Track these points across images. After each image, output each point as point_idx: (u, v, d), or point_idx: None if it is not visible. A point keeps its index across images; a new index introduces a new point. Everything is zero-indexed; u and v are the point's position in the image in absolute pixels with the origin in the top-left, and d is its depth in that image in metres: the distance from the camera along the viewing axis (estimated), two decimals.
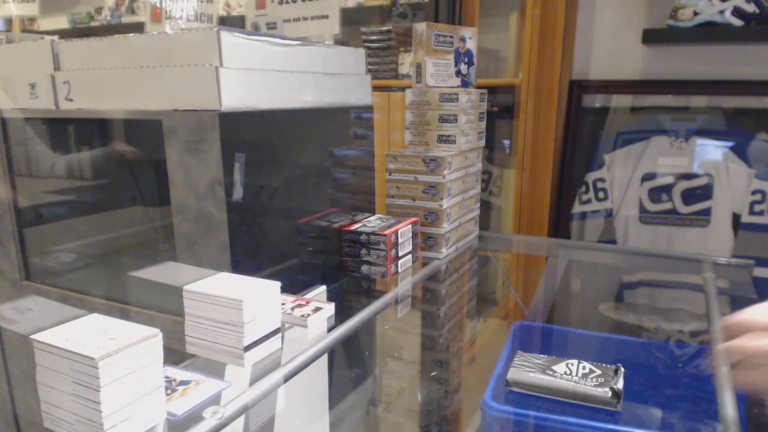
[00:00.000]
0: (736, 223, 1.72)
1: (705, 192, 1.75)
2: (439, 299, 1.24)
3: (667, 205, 1.80)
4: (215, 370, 0.70)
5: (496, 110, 2.14)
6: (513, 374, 0.84)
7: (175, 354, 0.70)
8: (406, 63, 2.34)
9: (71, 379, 0.53)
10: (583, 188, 1.90)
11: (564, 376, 0.81)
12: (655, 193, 1.81)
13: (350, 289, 1.08)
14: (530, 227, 1.94)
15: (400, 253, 1.09)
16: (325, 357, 0.82)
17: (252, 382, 0.69)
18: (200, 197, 0.87)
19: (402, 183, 1.23)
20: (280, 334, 0.75)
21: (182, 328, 0.73)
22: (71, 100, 0.98)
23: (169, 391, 0.63)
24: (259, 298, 0.70)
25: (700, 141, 1.76)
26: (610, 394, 0.75)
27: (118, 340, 0.54)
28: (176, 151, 0.87)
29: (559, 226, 1.98)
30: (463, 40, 1.36)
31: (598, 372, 0.82)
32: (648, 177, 1.82)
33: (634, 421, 0.95)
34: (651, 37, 1.71)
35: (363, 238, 1.05)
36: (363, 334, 1.06)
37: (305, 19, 1.17)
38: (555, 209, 1.97)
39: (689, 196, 1.76)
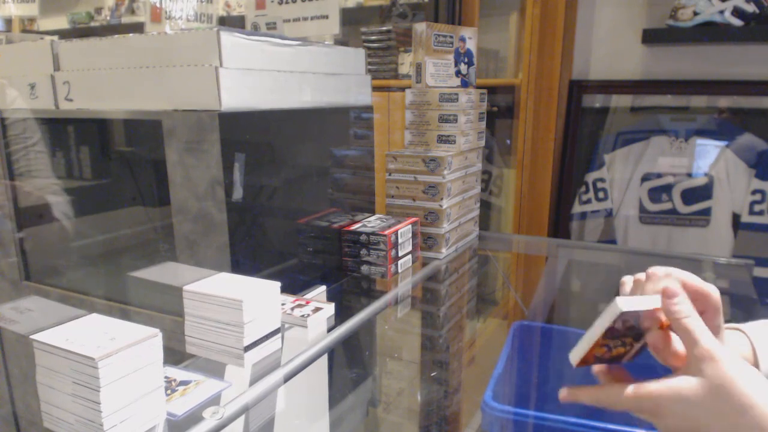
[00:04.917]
0: (736, 222, 1.72)
1: (705, 192, 1.75)
2: (439, 299, 1.24)
3: (667, 205, 1.80)
4: (215, 370, 0.70)
5: (496, 110, 2.14)
6: None
7: (175, 354, 0.70)
8: (406, 63, 2.34)
9: (71, 379, 0.53)
10: (583, 188, 1.90)
11: None
12: (655, 193, 1.81)
13: (350, 289, 1.08)
14: (530, 227, 1.94)
15: (400, 254, 1.09)
16: (325, 357, 0.82)
17: (252, 383, 0.69)
18: (200, 197, 0.87)
19: (402, 183, 1.23)
20: (280, 335, 0.75)
21: (182, 328, 0.73)
22: (71, 100, 0.98)
23: (169, 392, 0.63)
24: (259, 298, 0.70)
25: (700, 141, 1.76)
26: None
27: (118, 341, 0.54)
28: (176, 151, 0.87)
29: (559, 226, 1.98)
30: (462, 40, 1.36)
31: None
32: (648, 177, 1.82)
33: (636, 421, 0.94)
34: (651, 37, 1.71)
35: (363, 238, 1.05)
36: (363, 335, 1.06)
37: (305, 19, 1.17)
38: (555, 209, 1.97)
39: (689, 196, 1.76)
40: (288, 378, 0.73)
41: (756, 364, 0.55)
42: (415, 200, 1.22)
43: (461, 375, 1.29)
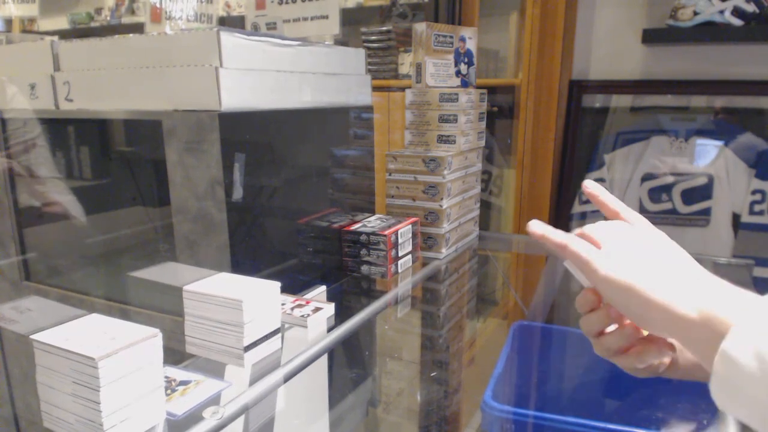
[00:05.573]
0: (736, 222, 1.72)
1: (705, 192, 1.75)
2: (439, 299, 1.24)
3: (667, 205, 1.80)
4: (215, 370, 0.70)
5: (496, 110, 2.14)
6: None
7: (175, 354, 0.70)
8: (406, 63, 2.34)
9: (71, 379, 0.53)
10: None
11: None
12: (655, 193, 1.81)
13: (350, 289, 1.08)
14: None
15: (400, 254, 1.09)
16: (325, 357, 0.82)
17: (252, 383, 0.69)
18: (200, 197, 0.87)
19: (402, 183, 1.23)
20: (279, 335, 0.75)
21: (182, 328, 0.73)
22: (71, 100, 0.98)
23: (168, 391, 0.63)
24: (259, 298, 0.70)
25: (700, 141, 1.76)
26: None
27: (118, 340, 0.54)
28: (176, 151, 0.88)
29: (559, 226, 1.95)
30: (462, 40, 1.36)
31: None
32: (648, 177, 1.81)
33: (635, 421, 0.94)
34: (651, 37, 1.71)
35: (363, 238, 1.05)
36: (363, 335, 1.06)
37: (305, 19, 1.17)
38: (555, 209, 1.97)
39: (689, 196, 1.76)
40: (288, 378, 0.73)
41: None
42: (415, 200, 1.22)
43: (461, 375, 1.29)
